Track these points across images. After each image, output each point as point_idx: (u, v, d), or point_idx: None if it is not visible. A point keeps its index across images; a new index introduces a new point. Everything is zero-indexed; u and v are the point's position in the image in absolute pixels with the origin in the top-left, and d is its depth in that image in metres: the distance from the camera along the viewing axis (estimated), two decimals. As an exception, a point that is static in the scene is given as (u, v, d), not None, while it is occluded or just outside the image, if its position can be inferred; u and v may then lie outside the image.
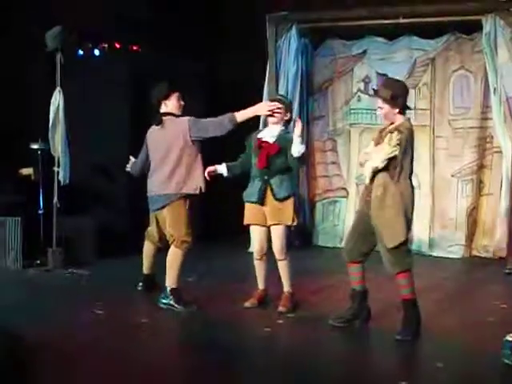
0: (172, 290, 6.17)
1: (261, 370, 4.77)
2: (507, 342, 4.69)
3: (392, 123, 5.35)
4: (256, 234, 6.22)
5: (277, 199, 6.03)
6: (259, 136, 6.18)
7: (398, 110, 5.32)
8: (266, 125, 6.62)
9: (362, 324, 5.64)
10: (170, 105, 6.25)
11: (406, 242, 5.35)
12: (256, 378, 4.62)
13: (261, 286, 6.34)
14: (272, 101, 6.21)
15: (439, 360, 4.74)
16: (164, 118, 6.25)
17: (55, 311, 6.06)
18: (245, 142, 6.30)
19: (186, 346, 5.41)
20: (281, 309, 6.08)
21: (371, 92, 5.62)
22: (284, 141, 6.04)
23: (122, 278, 7.28)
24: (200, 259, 7.97)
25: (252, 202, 6.12)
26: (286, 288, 6.19)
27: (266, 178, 6.06)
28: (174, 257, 6.16)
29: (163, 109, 6.27)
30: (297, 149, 5.91)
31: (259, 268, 6.29)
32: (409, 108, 5.44)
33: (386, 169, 5.24)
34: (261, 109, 6.15)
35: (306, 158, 6.33)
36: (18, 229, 7.97)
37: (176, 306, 6.14)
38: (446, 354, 4.97)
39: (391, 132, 5.28)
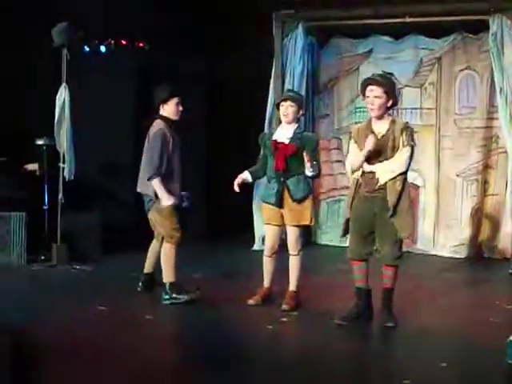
0: (170, 284, 6.24)
1: (263, 367, 4.77)
2: (511, 343, 4.68)
3: (374, 120, 5.49)
4: (270, 234, 6.26)
5: (294, 200, 6.06)
6: (274, 137, 6.15)
7: (390, 104, 5.46)
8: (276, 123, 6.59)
9: (365, 322, 5.68)
10: (168, 109, 6.34)
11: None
12: (259, 375, 4.62)
13: (266, 283, 6.35)
14: (284, 99, 6.18)
15: (443, 360, 4.73)
16: (155, 120, 6.35)
17: (59, 307, 6.07)
18: (259, 142, 6.30)
19: (189, 343, 5.40)
20: (284, 307, 6.08)
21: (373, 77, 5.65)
22: (299, 140, 6.06)
23: (125, 274, 7.28)
24: (204, 257, 7.98)
25: (270, 204, 6.15)
26: (292, 287, 6.20)
27: (282, 179, 6.07)
28: (166, 251, 6.29)
29: (161, 111, 6.36)
30: (308, 173, 6.00)
31: (268, 265, 6.30)
32: (396, 105, 5.66)
33: None
34: (165, 200, 6.19)
35: (319, 176, 6.33)
36: (23, 224, 7.97)
37: (179, 297, 6.22)
38: (450, 353, 4.97)
39: (401, 133, 5.41)
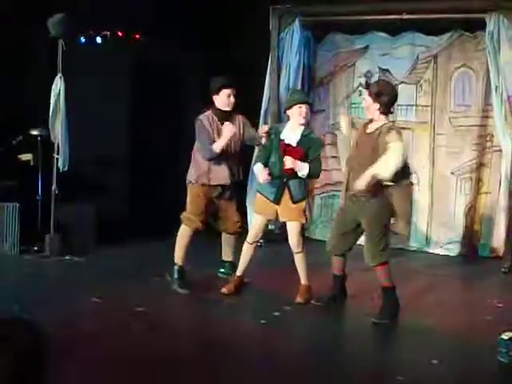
0: (178, 266, 6.52)
1: (254, 362, 4.78)
2: (502, 341, 4.71)
3: (372, 120, 5.74)
4: (257, 222, 6.38)
5: (294, 202, 6.17)
6: (282, 137, 6.18)
7: (378, 107, 5.67)
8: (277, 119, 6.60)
9: (340, 304, 6.12)
10: (219, 100, 6.48)
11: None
12: (250, 369, 4.63)
13: (239, 272, 6.47)
14: (304, 101, 6.21)
15: (435, 357, 4.76)
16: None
17: (51, 298, 6.06)
18: (269, 132, 6.32)
19: (181, 336, 5.41)
20: (299, 300, 6.21)
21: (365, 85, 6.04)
22: (307, 143, 6.14)
23: (120, 266, 7.29)
24: (198, 249, 7.98)
25: (268, 199, 6.22)
26: (303, 281, 6.34)
27: (285, 179, 6.15)
28: (180, 232, 6.54)
29: (215, 102, 6.50)
30: (302, 173, 6.09)
31: (246, 253, 6.40)
32: (391, 112, 5.84)
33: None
34: (228, 132, 6.32)
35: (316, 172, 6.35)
36: (16, 215, 7.95)
37: (173, 284, 6.45)
38: (442, 351, 4.99)
39: (388, 131, 5.56)
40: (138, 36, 9.42)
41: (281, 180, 6.14)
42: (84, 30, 8.87)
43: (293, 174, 6.11)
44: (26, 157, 8.30)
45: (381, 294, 5.82)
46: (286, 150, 6.08)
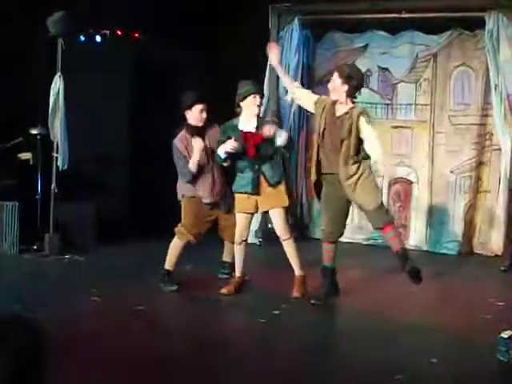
0: (165, 270, 6.50)
1: (254, 360, 4.78)
2: (502, 339, 4.71)
3: (337, 102, 5.84)
4: (241, 222, 6.36)
5: (271, 185, 6.20)
6: (240, 128, 6.24)
7: (347, 89, 5.78)
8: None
9: (333, 299, 6.16)
10: (192, 116, 6.49)
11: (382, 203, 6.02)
12: (249, 367, 4.63)
13: (238, 273, 6.47)
14: (258, 92, 6.25)
15: (434, 356, 4.76)
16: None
17: (51, 298, 6.06)
18: (221, 136, 6.32)
19: (181, 335, 5.41)
20: (295, 294, 6.21)
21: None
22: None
23: (119, 266, 7.29)
24: (196, 249, 7.98)
25: (246, 193, 6.23)
26: (297, 271, 6.31)
27: (256, 167, 6.19)
28: (172, 243, 6.53)
29: (187, 117, 6.51)
30: (280, 140, 6.10)
31: (239, 254, 6.42)
32: (355, 97, 5.91)
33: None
34: (197, 147, 6.34)
35: (292, 142, 6.45)
36: (16, 214, 7.96)
37: (161, 284, 6.45)
38: (441, 349, 4.99)
39: (358, 117, 5.73)
40: (137, 35, 9.42)
41: (253, 169, 6.18)
42: (83, 29, 8.87)
43: (259, 157, 6.15)
44: (26, 156, 8.30)
45: (398, 258, 5.92)
46: (247, 136, 6.16)
